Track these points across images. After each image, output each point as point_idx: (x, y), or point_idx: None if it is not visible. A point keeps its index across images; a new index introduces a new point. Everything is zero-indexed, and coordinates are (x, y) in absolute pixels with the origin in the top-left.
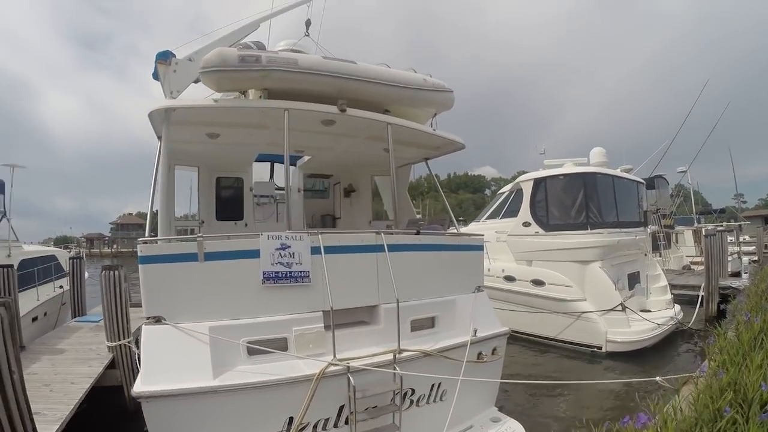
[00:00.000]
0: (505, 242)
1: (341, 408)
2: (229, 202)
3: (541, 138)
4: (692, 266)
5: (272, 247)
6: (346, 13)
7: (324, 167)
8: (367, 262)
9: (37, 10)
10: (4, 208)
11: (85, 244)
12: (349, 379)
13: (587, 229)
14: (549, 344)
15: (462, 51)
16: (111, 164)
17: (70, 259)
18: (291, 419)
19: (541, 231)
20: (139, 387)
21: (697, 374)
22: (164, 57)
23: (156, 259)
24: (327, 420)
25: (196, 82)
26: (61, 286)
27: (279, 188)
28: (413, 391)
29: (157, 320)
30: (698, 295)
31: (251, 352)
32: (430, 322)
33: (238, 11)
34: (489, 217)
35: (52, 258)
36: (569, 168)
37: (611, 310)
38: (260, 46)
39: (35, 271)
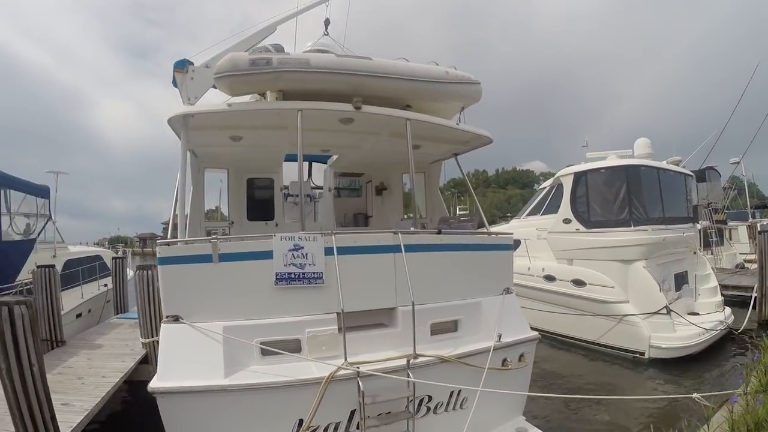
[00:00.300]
0: (545, 240)
1: (353, 412)
2: (259, 202)
3: (593, 129)
4: (747, 264)
5: (285, 248)
6: (388, 12)
7: (354, 166)
8: (384, 263)
9: (90, 23)
10: (50, 211)
11: (138, 243)
12: (358, 383)
13: (630, 226)
14: (589, 348)
15: (509, 43)
16: (164, 166)
17: (113, 258)
18: (301, 421)
19: (581, 228)
20: (155, 383)
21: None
22: (181, 65)
23: (173, 260)
24: (338, 424)
25: (214, 87)
26: (105, 285)
27: (316, 187)
28: (430, 398)
29: (175, 319)
30: (751, 297)
31: (264, 352)
32: (452, 326)
33: (282, 12)
34: (530, 214)
35: (98, 258)
36: (611, 161)
37: (655, 313)
38: (279, 49)
39: (80, 271)
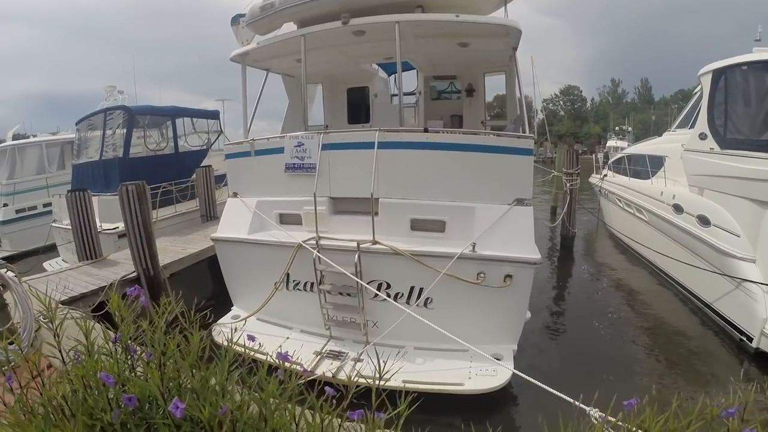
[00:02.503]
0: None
1: (322, 277)
2: (357, 107)
3: None
4: None
5: (292, 144)
6: None
7: (443, 68)
8: (368, 158)
9: None
10: (221, 128)
11: None
12: (318, 253)
13: None
14: (702, 310)
15: None
16: None
17: None
18: (288, 274)
19: (716, 147)
20: (214, 234)
21: None
22: (235, 20)
23: (232, 155)
24: (312, 284)
25: None
26: None
27: (408, 93)
28: (388, 284)
29: (235, 195)
30: None
31: (281, 221)
32: (439, 226)
33: None
34: (679, 126)
35: None
36: (760, 53)
37: None
38: None
39: None
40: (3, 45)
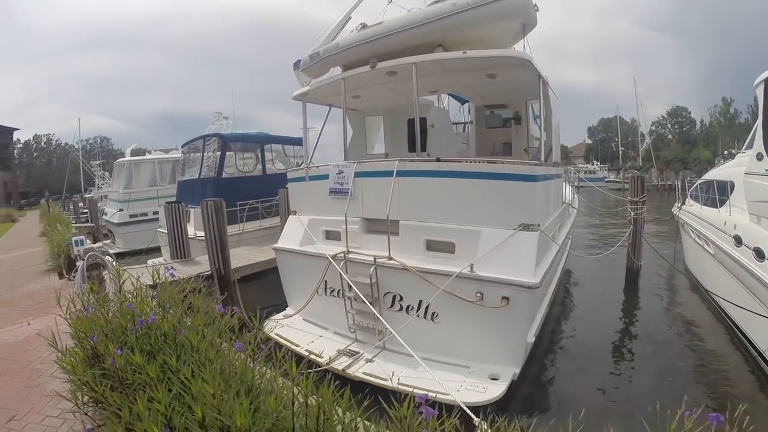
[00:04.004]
0: None
1: (350, 286)
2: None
3: None
4: None
5: (335, 171)
6: None
7: (492, 98)
8: (390, 184)
9: None
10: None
11: None
12: (345, 264)
13: None
14: (755, 359)
15: None
16: None
17: None
18: (326, 282)
19: None
20: (275, 244)
21: None
22: (296, 66)
23: (292, 180)
24: (341, 291)
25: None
26: None
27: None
28: (401, 297)
29: (294, 213)
30: None
31: (327, 237)
32: (450, 248)
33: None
34: (748, 146)
35: None
36: None
37: None
38: (364, 26)
39: None
40: (135, 69)
